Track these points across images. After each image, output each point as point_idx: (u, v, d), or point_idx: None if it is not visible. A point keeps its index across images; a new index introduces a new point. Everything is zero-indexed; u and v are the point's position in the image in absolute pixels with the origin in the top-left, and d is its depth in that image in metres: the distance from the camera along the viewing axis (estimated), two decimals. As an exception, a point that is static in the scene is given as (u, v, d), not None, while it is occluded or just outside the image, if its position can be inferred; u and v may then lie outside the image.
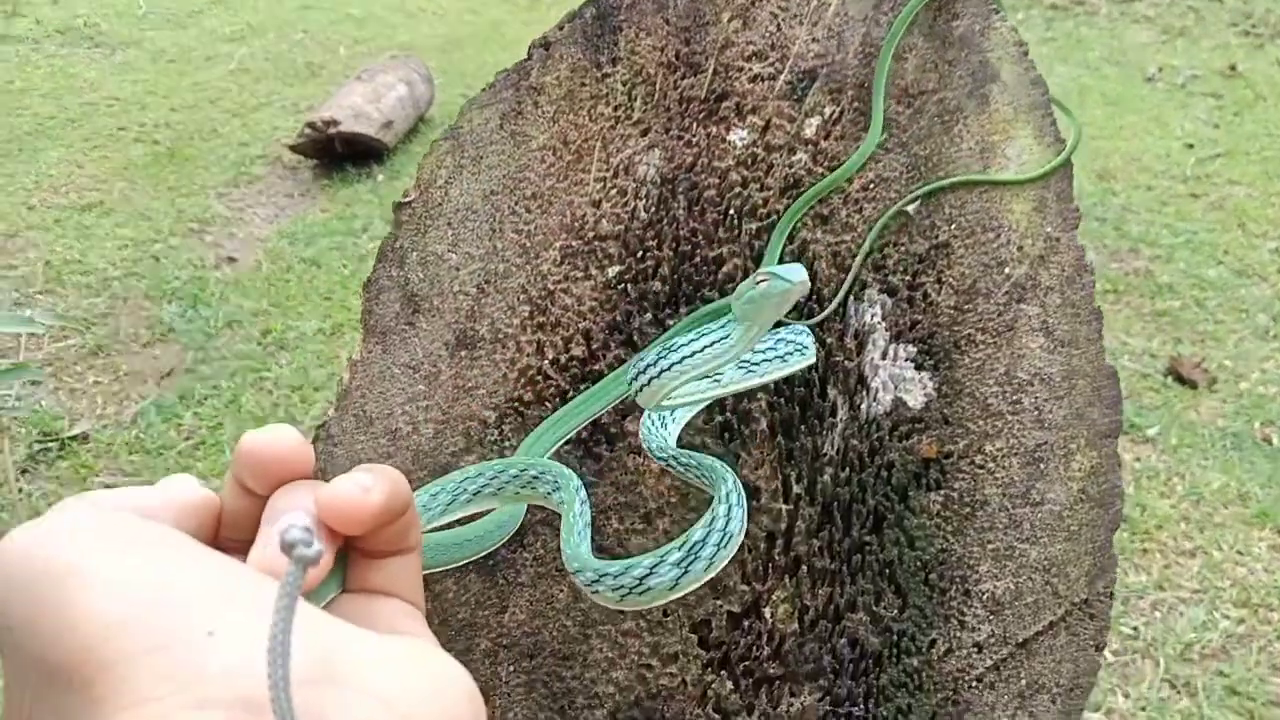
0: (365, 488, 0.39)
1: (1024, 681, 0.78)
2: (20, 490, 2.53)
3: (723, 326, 0.56)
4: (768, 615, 0.80)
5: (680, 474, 0.60)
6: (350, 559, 0.45)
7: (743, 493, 0.53)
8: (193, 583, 0.33)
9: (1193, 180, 3.95)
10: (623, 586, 0.49)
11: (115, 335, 3.11)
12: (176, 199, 3.82)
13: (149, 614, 0.32)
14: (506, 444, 0.81)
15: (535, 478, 0.57)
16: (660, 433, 0.67)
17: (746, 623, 0.80)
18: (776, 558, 0.80)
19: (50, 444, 2.68)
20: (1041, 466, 0.77)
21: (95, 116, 4.36)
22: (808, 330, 0.64)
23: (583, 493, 0.55)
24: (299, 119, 4.24)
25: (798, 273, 0.51)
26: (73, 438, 2.71)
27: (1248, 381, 2.86)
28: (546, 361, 0.81)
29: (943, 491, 0.78)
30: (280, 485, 0.42)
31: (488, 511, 0.70)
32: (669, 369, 0.56)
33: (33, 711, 0.33)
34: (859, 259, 0.76)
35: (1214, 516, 2.47)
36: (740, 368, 0.61)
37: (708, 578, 0.50)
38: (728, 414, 0.80)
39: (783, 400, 0.79)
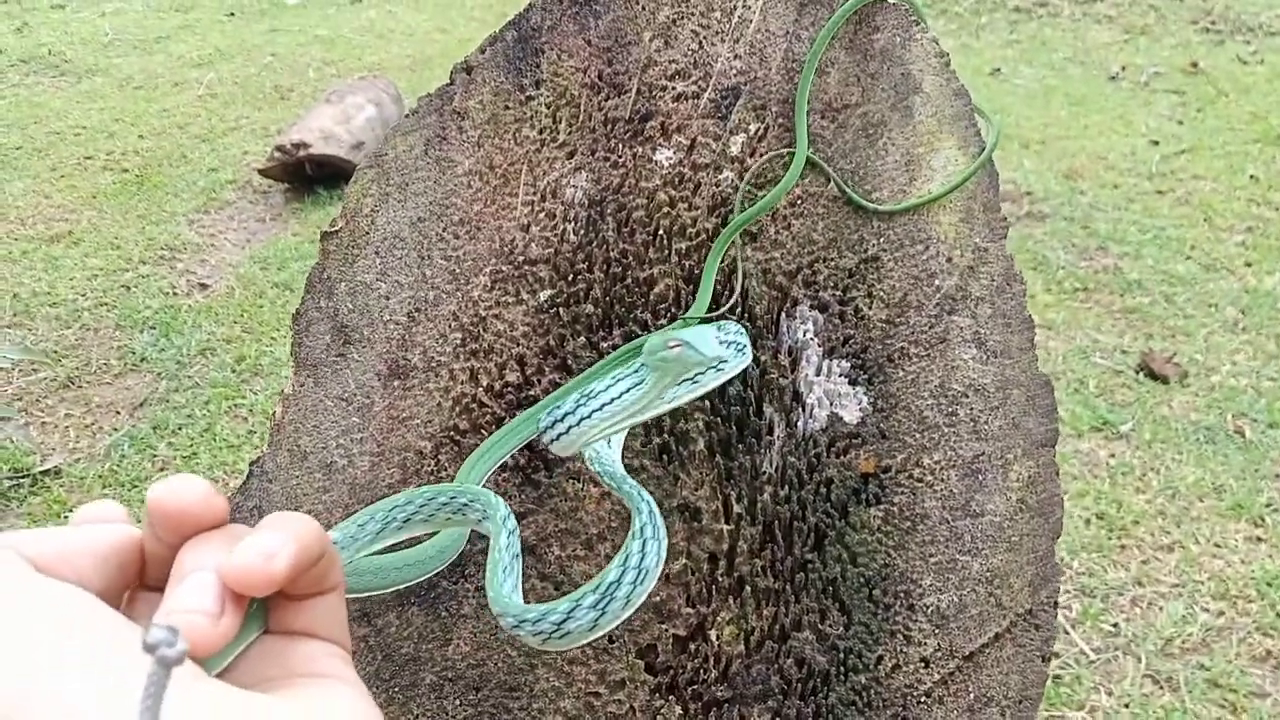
0: (269, 554, 0.38)
1: (972, 695, 0.78)
2: (-9, 529, 2.49)
3: (636, 371, 0.56)
4: (713, 637, 0.79)
5: (610, 489, 0.59)
6: (271, 600, 0.45)
7: (660, 524, 0.53)
8: (74, 667, 0.32)
9: (1158, 177, 3.98)
10: (541, 631, 0.49)
11: (86, 366, 3.08)
12: (146, 227, 3.80)
13: (16, 710, 0.30)
14: (444, 474, 0.80)
15: (465, 505, 0.57)
16: (603, 448, 0.66)
17: (693, 646, 0.79)
18: (720, 579, 0.79)
19: (22, 480, 2.64)
20: (980, 478, 0.76)
21: (62, 145, 4.33)
22: (735, 341, 0.61)
23: (510, 523, 0.55)
24: (268, 143, 4.23)
25: (711, 346, 0.51)
26: (44, 473, 2.67)
27: (1219, 375, 2.87)
28: (481, 389, 0.80)
29: (883, 506, 0.77)
30: (189, 536, 0.41)
31: (426, 536, 0.69)
32: (589, 416, 0.56)
33: None
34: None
35: (1190, 510, 2.47)
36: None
37: (626, 615, 0.50)
38: (665, 435, 0.79)
39: (720, 419, 0.79)
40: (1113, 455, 2.64)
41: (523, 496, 0.80)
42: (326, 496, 0.81)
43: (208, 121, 4.62)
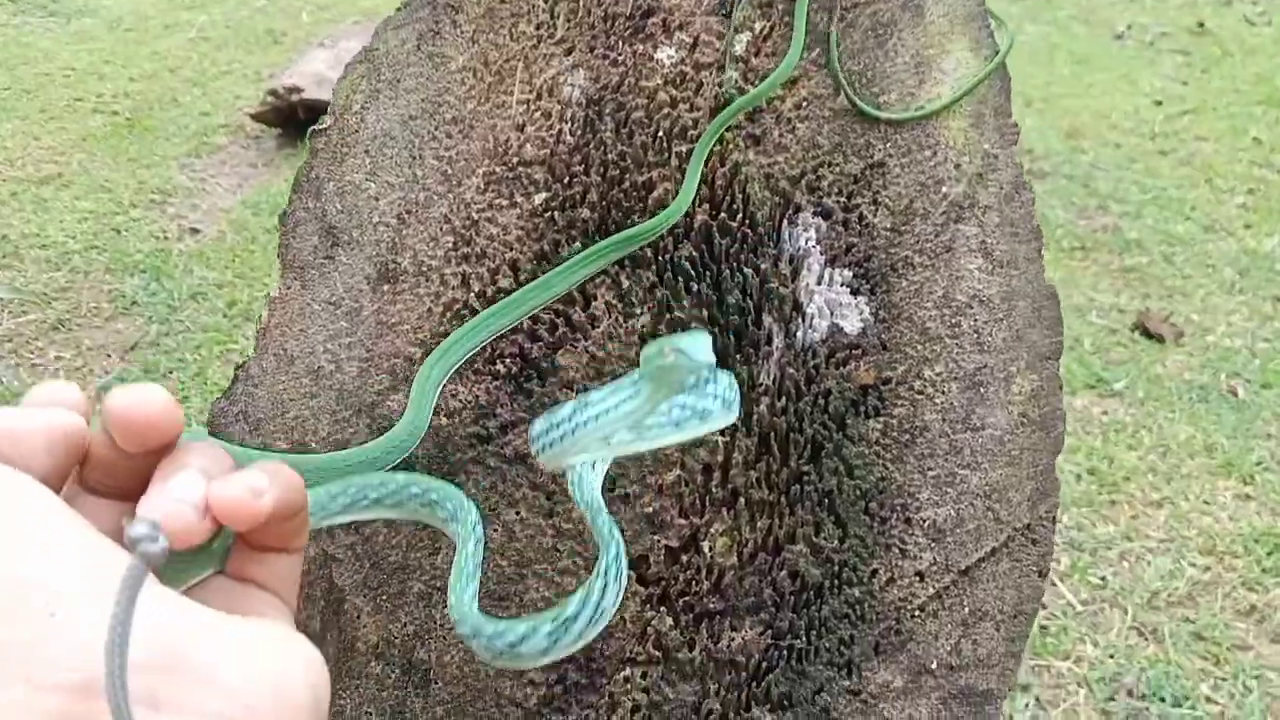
0: (258, 491, 0.39)
1: (967, 609, 0.77)
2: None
3: (634, 383, 0.54)
4: (706, 549, 0.78)
5: (585, 516, 0.58)
6: (235, 544, 0.45)
7: (624, 566, 0.53)
8: (37, 554, 0.32)
9: (1161, 137, 3.94)
10: (494, 648, 0.50)
11: (76, 310, 3.05)
12: (137, 170, 3.74)
13: None
14: (434, 380, 0.79)
15: (434, 502, 0.57)
16: (587, 473, 0.64)
17: (685, 557, 0.78)
18: (714, 490, 0.78)
19: (9, 420, 2.63)
20: (981, 391, 0.75)
21: (51, 87, 4.26)
22: (723, 397, 0.56)
23: (479, 531, 0.55)
24: (261, 87, 4.16)
25: (705, 351, 0.49)
26: (33, 414, 2.65)
27: (1214, 335, 2.87)
28: (472, 294, 0.78)
29: (881, 419, 0.76)
30: (147, 447, 0.40)
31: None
32: (584, 425, 0.54)
33: None
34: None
35: (1181, 468, 2.48)
36: (631, 430, 0.58)
37: (575, 649, 0.51)
38: (662, 345, 0.77)
39: (718, 329, 0.77)
40: (1105, 413, 2.64)
41: (514, 405, 0.79)
42: (314, 402, 0.79)
43: (199, 65, 4.54)
